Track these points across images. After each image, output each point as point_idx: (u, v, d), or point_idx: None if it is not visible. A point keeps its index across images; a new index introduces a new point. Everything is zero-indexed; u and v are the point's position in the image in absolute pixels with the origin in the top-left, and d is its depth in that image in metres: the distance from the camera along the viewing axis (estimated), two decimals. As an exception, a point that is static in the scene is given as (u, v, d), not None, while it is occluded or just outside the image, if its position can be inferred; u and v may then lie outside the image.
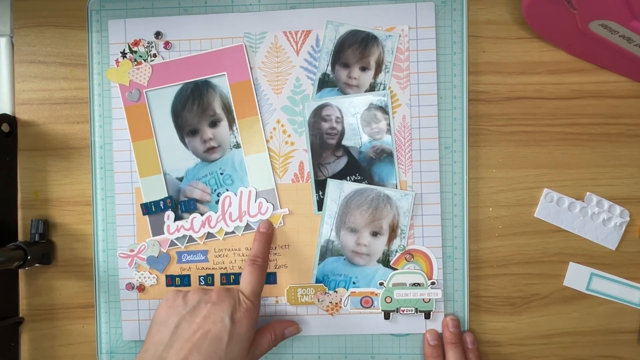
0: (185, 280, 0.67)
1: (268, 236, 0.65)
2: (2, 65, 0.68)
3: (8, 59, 0.68)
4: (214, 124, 0.66)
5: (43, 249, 0.67)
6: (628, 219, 0.65)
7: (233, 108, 0.65)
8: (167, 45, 0.65)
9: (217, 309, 0.57)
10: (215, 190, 0.66)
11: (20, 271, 0.69)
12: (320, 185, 0.65)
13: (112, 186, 0.67)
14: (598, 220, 0.65)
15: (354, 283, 0.65)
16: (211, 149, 0.66)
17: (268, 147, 0.65)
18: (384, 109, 0.65)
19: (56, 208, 0.68)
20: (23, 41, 0.68)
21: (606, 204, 0.65)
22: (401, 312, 0.65)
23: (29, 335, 0.69)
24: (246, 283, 0.61)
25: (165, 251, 0.66)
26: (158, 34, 0.65)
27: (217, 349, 0.55)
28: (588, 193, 0.65)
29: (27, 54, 0.68)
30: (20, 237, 0.68)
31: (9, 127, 0.67)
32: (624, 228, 0.65)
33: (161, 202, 0.66)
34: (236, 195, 0.65)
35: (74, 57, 0.68)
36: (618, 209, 0.65)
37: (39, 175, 0.68)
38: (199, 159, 0.66)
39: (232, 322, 0.56)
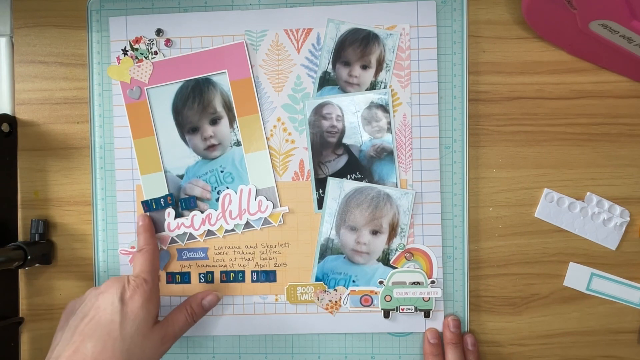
0: (185, 277, 0.66)
1: (146, 227, 0.64)
2: (2, 65, 0.68)
3: (8, 59, 0.68)
4: (214, 121, 0.66)
5: (43, 249, 0.67)
6: (628, 219, 0.65)
7: (234, 106, 0.65)
8: (168, 42, 0.66)
9: (105, 296, 0.56)
10: (215, 188, 0.66)
11: (20, 271, 0.68)
12: (321, 184, 0.65)
13: (112, 186, 0.67)
14: (598, 220, 0.65)
15: (353, 281, 0.65)
16: (211, 147, 0.66)
17: (268, 145, 0.65)
18: (384, 108, 0.65)
19: (56, 208, 0.68)
20: (23, 41, 0.68)
21: (606, 204, 0.65)
22: (401, 310, 0.65)
23: (29, 335, 0.69)
24: (135, 266, 0.61)
25: (165, 248, 0.66)
26: (159, 32, 0.66)
27: (111, 331, 0.53)
28: (588, 193, 0.65)
29: (27, 54, 0.68)
30: (20, 237, 0.68)
31: (9, 127, 0.67)
32: (624, 228, 0.65)
33: (162, 200, 0.66)
34: (236, 193, 0.65)
35: (74, 57, 0.68)
36: (618, 209, 0.65)
37: (39, 175, 0.68)
38: (199, 157, 0.66)
39: (121, 302, 0.55)
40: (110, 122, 0.67)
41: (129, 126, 0.66)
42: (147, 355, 0.56)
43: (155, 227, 0.66)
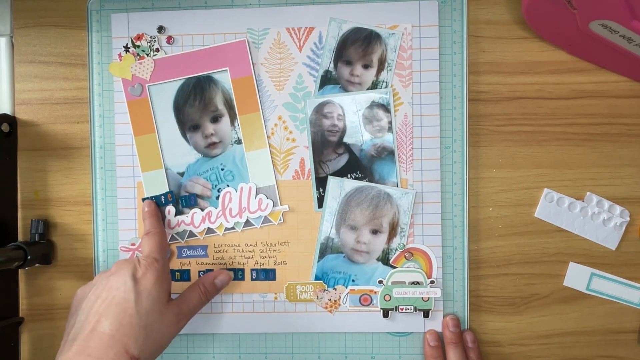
0: (185, 275, 0.66)
1: (152, 212, 0.65)
2: (2, 65, 0.68)
3: (8, 59, 0.68)
4: (215, 119, 0.66)
5: (43, 249, 0.67)
6: (628, 219, 0.65)
7: (235, 104, 0.65)
8: (169, 39, 0.66)
9: (117, 277, 0.56)
10: (215, 186, 0.66)
11: (20, 271, 0.68)
12: (321, 183, 0.65)
13: (112, 186, 0.67)
14: (598, 220, 0.65)
15: (353, 281, 0.65)
16: (212, 145, 0.66)
17: (269, 144, 0.65)
18: (385, 107, 0.65)
19: (56, 208, 0.68)
20: (23, 41, 0.68)
21: (606, 204, 0.65)
22: (400, 310, 0.64)
23: (29, 335, 0.69)
24: (144, 248, 0.61)
25: (165, 245, 0.66)
26: (161, 29, 0.66)
27: (127, 308, 0.54)
28: (588, 193, 0.65)
29: (27, 54, 0.68)
30: (20, 237, 0.68)
31: (9, 127, 0.67)
32: (624, 228, 0.65)
33: (162, 197, 0.66)
34: (237, 191, 0.65)
35: (74, 57, 0.68)
36: (618, 208, 0.65)
37: (39, 175, 0.68)
38: (200, 154, 0.66)
39: (134, 281, 0.55)
40: (110, 121, 0.67)
41: (130, 123, 0.66)
42: (164, 331, 0.56)
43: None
